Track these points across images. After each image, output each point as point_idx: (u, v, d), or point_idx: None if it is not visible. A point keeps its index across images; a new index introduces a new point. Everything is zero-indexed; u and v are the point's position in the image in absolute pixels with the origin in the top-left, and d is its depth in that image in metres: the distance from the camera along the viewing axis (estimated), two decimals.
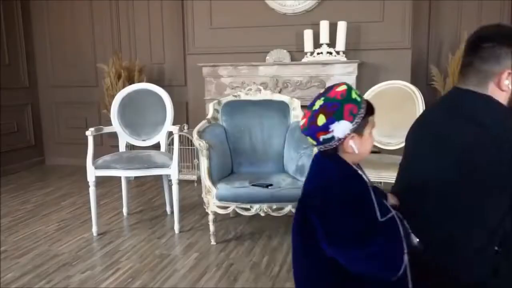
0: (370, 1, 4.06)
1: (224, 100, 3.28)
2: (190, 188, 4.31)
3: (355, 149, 1.21)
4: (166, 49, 4.96)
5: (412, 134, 1.48)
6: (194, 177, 4.41)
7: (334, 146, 1.22)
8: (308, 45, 4.08)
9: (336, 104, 1.18)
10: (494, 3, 4.06)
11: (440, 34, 4.26)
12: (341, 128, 1.18)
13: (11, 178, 4.82)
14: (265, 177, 2.94)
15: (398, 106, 3.30)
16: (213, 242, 2.95)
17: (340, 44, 3.98)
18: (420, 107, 3.19)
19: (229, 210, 2.85)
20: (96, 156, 3.14)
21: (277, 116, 3.25)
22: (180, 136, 3.57)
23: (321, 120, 1.19)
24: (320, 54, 4.06)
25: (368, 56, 4.09)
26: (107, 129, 3.45)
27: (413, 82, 3.73)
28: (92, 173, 3.07)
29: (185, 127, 4.27)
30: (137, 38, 5.02)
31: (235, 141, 3.20)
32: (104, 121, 4.79)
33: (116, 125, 3.50)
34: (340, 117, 1.17)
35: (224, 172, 3.06)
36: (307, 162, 2.89)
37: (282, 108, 3.25)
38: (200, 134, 2.97)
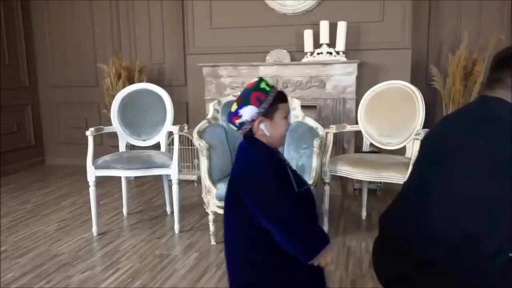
0: (370, 1, 4.06)
1: (224, 100, 3.28)
2: (190, 188, 4.31)
3: (265, 131, 1.41)
4: (166, 49, 4.97)
5: (433, 135, 1.50)
6: (194, 177, 4.41)
7: (248, 129, 1.42)
8: (308, 45, 4.07)
9: (245, 92, 1.42)
10: (494, 3, 4.06)
11: (440, 34, 4.25)
12: (248, 112, 1.39)
13: (11, 178, 4.82)
14: None
15: (398, 106, 3.30)
16: (213, 242, 2.95)
17: (340, 44, 3.98)
18: (420, 107, 3.18)
19: None
20: (96, 156, 3.14)
21: None
22: (180, 136, 3.57)
23: (234, 107, 1.43)
24: (320, 54, 4.06)
25: (368, 56, 4.09)
26: (107, 129, 3.45)
27: (413, 82, 3.72)
28: (92, 173, 3.07)
29: (185, 127, 4.27)
30: (137, 38, 5.02)
31: (235, 141, 3.20)
32: (104, 121, 4.79)
33: (116, 125, 3.50)
34: (247, 103, 1.39)
35: (224, 172, 3.06)
36: (307, 162, 2.89)
37: None
38: (200, 134, 2.97)
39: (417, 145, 2.84)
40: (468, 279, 1.23)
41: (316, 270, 1.41)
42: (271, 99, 1.40)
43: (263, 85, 1.41)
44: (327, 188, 3.09)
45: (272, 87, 1.43)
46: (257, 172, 1.36)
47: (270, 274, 1.38)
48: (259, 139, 1.43)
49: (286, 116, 1.45)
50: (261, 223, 1.34)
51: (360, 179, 3.14)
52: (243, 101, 1.40)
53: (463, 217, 1.23)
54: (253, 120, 1.40)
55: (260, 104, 1.39)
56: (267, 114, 1.40)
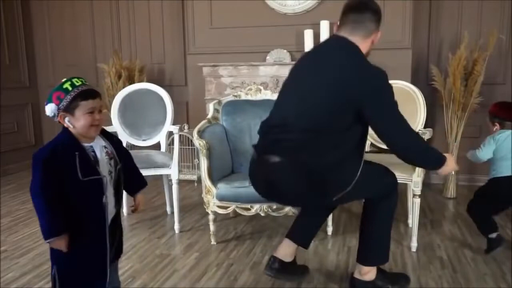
0: None
1: (224, 100, 3.28)
2: (190, 188, 4.31)
3: (69, 124, 1.62)
4: (166, 49, 4.96)
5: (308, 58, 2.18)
6: (194, 177, 4.41)
7: (58, 121, 1.63)
8: (308, 45, 4.08)
9: (50, 91, 1.63)
10: (494, 3, 4.06)
11: (440, 34, 4.25)
12: (49, 109, 1.61)
13: (11, 178, 4.82)
14: None
15: (399, 106, 3.29)
16: (213, 242, 2.95)
17: None
18: (421, 107, 3.18)
19: (229, 210, 2.85)
20: None
21: None
22: (180, 136, 3.57)
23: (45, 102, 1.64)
24: None
25: (368, 56, 4.08)
26: (107, 129, 3.44)
27: (413, 82, 3.72)
28: None
29: (185, 127, 4.27)
30: (137, 38, 5.02)
31: (235, 141, 3.20)
32: (104, 121, 4.78)
33: (116, 125, 3.50)
34: (50, 101, 1.61)
35: (224, 172, 3.06)
36: None
37: None
38: (200, 134, 2.96)
39: None
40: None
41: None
42: (70, 98, 1.60)
43: (66, 85, 1.61)
44: None
45: (76, 86, 1.62)
46: (36, 156, 1.57)
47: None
48: (69, 129, 1.64)
49: (91, 112, 1.63)
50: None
51: None
52: (47, 98, 1.62)
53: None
54: (53, 115, 1.62)
55: (59, 102, 1.60)
56: (68, 110, 1.60)
